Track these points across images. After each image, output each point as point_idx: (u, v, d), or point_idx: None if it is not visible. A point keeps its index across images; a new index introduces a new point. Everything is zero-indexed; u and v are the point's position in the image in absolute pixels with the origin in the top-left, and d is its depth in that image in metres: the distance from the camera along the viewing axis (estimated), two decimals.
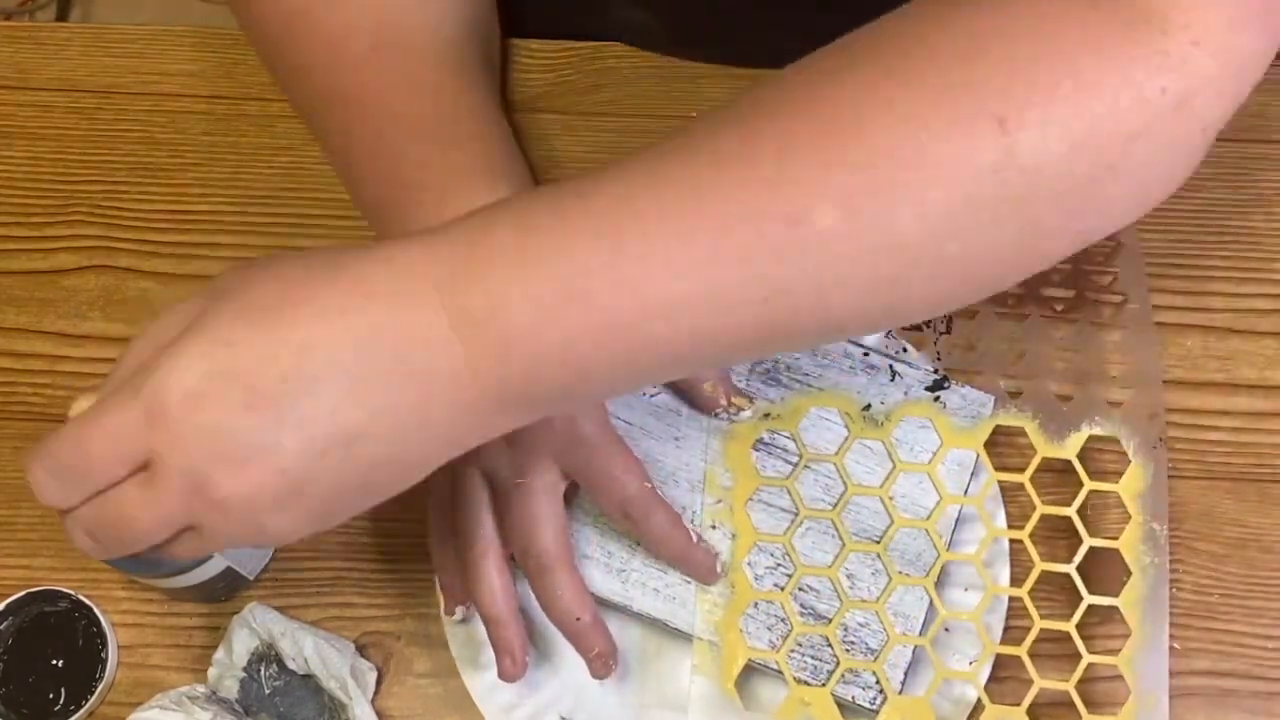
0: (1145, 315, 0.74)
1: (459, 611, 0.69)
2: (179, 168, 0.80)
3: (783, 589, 0.69)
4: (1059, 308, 0.75)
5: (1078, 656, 0.67)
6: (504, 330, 0.52)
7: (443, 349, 0.52)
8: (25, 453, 0.54)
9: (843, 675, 0.68)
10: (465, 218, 0.55)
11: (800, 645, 0.68)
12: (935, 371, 0.72)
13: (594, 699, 0.69)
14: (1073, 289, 0.75)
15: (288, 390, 0.51)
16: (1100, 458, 0.72)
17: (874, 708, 0.68)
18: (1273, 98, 0.79)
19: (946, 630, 0.69)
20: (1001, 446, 0.72)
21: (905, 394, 0.72)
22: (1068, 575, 0.68)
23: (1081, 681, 0.67)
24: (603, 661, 0.68)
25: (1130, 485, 0.69)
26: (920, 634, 0.68)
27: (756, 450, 0.71)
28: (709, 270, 0.52)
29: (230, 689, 0.69)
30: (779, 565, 0.69)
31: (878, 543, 0.69)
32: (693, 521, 0.70)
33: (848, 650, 0.68)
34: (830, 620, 0.68)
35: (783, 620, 0.68)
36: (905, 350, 0.73)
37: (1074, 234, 0.55)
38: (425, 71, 0.68)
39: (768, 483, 0.70)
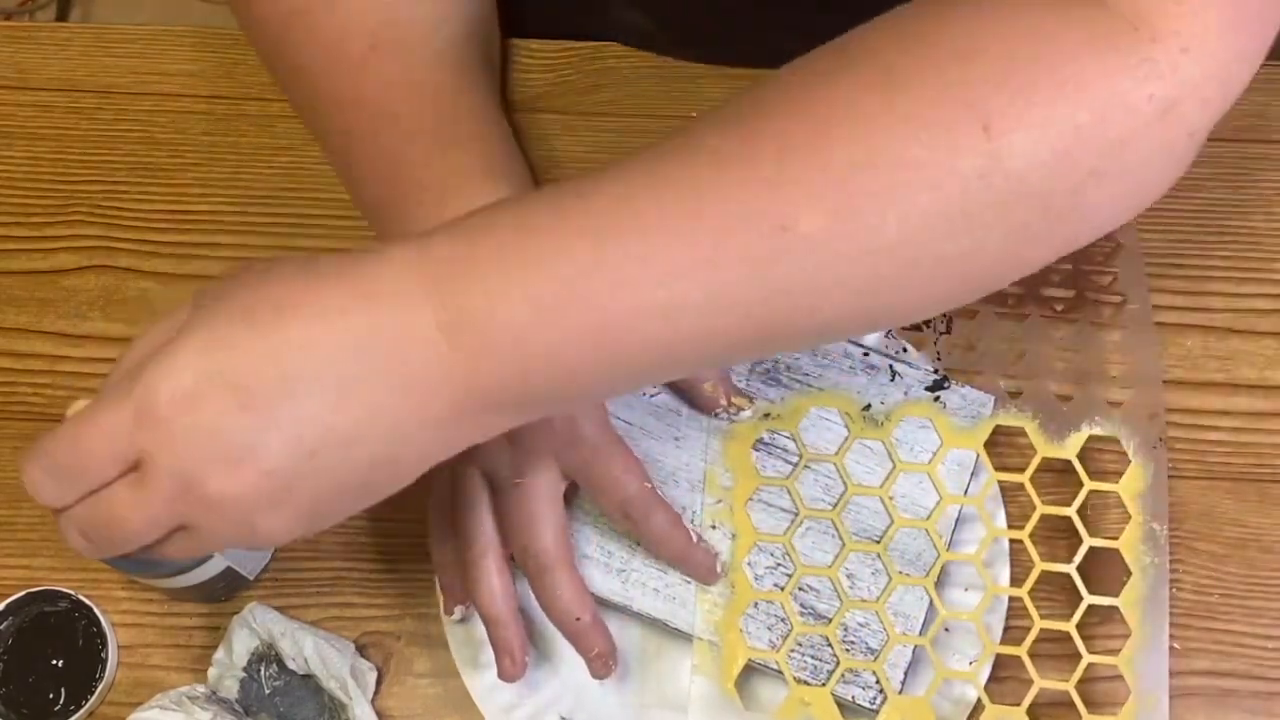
0: (1145, 315, 0.74)
1: (458, 611, 0.69)
2: (179, 168, 0.80)
3: (783, 589, 0.69)
4: (1059, 308, 0.75)
5: (1078, 656, 0.67)
6: (504, 330, 0.52)
7: (439, 349, 0.52)
8: (22, 452, 0.54)
9: (843, 675, 0.68)
10: (465, 218, 0.55)
11: (800, 645, 0.68)
12: (935, 371, 0.72)
13: (594, 699, 0.69)
14: (1073, 289, 0.75)
15: (279, 391, 0.51)
16: (1100, 458, 0.72)
17: (874, 708, 0.68)
18: (1273, 98, 0.79)
19: (946, 630, 0.69)
20: (1001, 446, 0.72)
21: (905, 394, 0.72)
22: (1068, 575, 0.68)
23: (1081, 681, 0.67)
24: (603, 661, 0.68)
25: (1130, 485, 0.69)
26: (920, 634, 0.68)
27: (756, 450, 0.71)
28: (708, 271, 0.52)
29: (230, 689, 0.69)
30: (779, 565, 0.69)
31: (878, 543, 0.69)
32: (693, 521, 0.70)
33: (848, 650, 0.68)
34: (830, 620, 0.68)
35: (783, 620, 0.68)
36: (905, 350, 0.73)
37: (1060, 239, 0.56)
38: (425, 72, 0.68)
39: (768, 483, 0.70)
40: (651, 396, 0.71)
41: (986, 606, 0.68)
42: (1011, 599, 0.69)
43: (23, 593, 0.70)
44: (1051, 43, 0.53)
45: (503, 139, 0.70)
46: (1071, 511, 0.69)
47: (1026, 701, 0.67)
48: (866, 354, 0.72)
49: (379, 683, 0.70)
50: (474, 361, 0.52)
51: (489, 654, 0.68)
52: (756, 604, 0.69)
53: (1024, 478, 0.69)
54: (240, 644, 0.70)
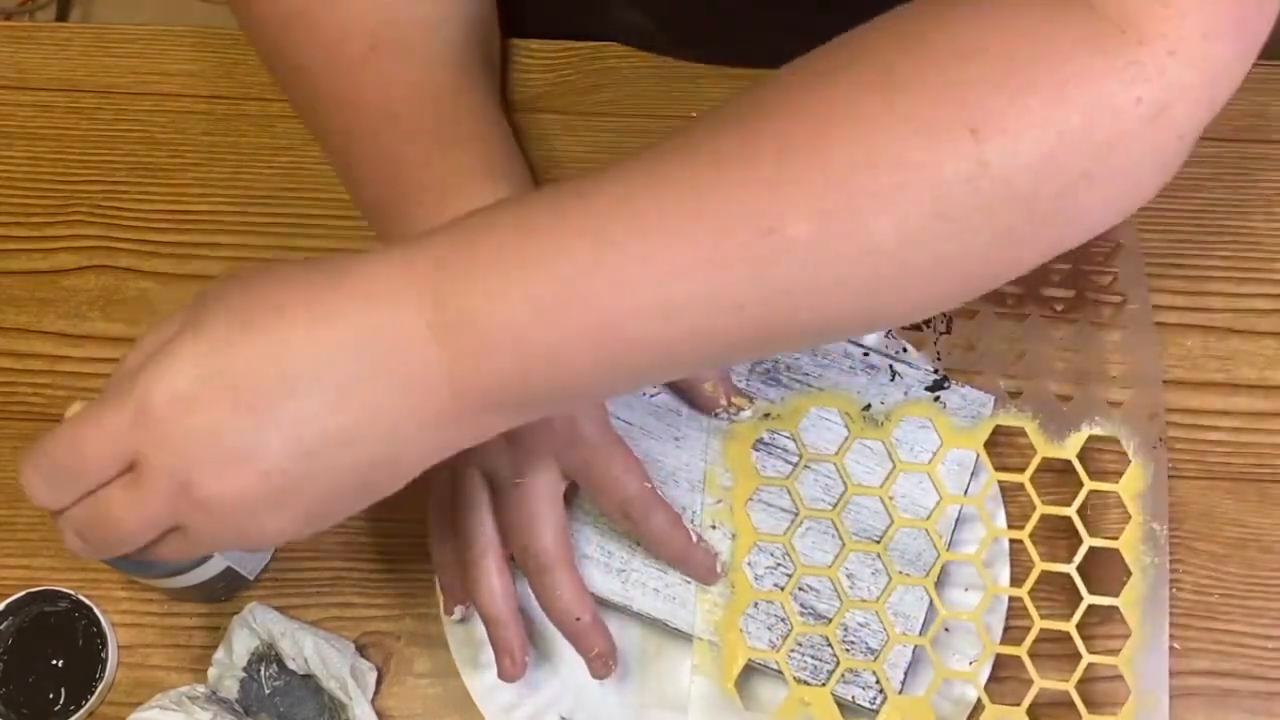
0: (1145, 315, 0.74)
1: (458, 611, 0.69)
2: (179, 168, 0.80)
3: (783, 589, 0.69)
4: (1059, 308, 0.75)
5: (1078, 656, 0.67)
6: (503, 330, 0.52)
7: (437, 349, 0.52)
8: (22, 452, 0.55)
9: (843, 675, 0.68)
10: (464, 219, 0.55)
11: (800, 645, 0.68)
12: (935, 371, 0.72)
13: (594, 699, 0.69)
14: (1073, 289, 0.75)
15: (277, 392, 0.51)
16: (1100, 458, 0.72)
17: (874, 708, 0.68)
18: (1273, 98, 0.79)
19: (946, 630, 0.69)
20: (1001, 446, 0.72)
21: (905, 394, 0.72)
22: (1068, 575, 0.68)
23: (1081, 681, 0.67)
24: (603, 661, 0.68)
25: (1130, 485, 0.69)
26: (920, 634, 0.68)
27: (756, 450, 0.71)
28: (707, 271, 0.52)
29: (230, 689, 0.69)
30: (779, 565, 0.69)
31: (878, 543, 0.69)
32: (693, 521, 0.70)
33: (848, 650, 0.68)
34: (830, 620, 0.68)
35: (783, 620, 0.68)
36: (905, 350, 0.73)
37: (1050, 240, 0.56)
38: (425, 72, 0.68)
39: (768, 483, 0.70)
40: (651, 396, 0.71)
41: (986, 606, 0.68)
42: (1011, 599, 0.69)
43: (23, 593, 0.70)
44: (1040, 46, 0.53)
45: (503, 139, 0.70)
46: (1071, 511, 0.69)
47: (1026, 701, 0.67)
48: (866, 354, 0.72)
49: (379, 683, 0.70)
50: (473, 362, 0.52)
51: (489, 654, 0.68)
52: (756, 604, 0.69)
53: (1024, 478, 0.69)
54: (240, 644, 0.70)
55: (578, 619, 0.67)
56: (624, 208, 0.53)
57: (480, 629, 0.68)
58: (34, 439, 0.54)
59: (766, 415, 0.71)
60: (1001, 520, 0.71)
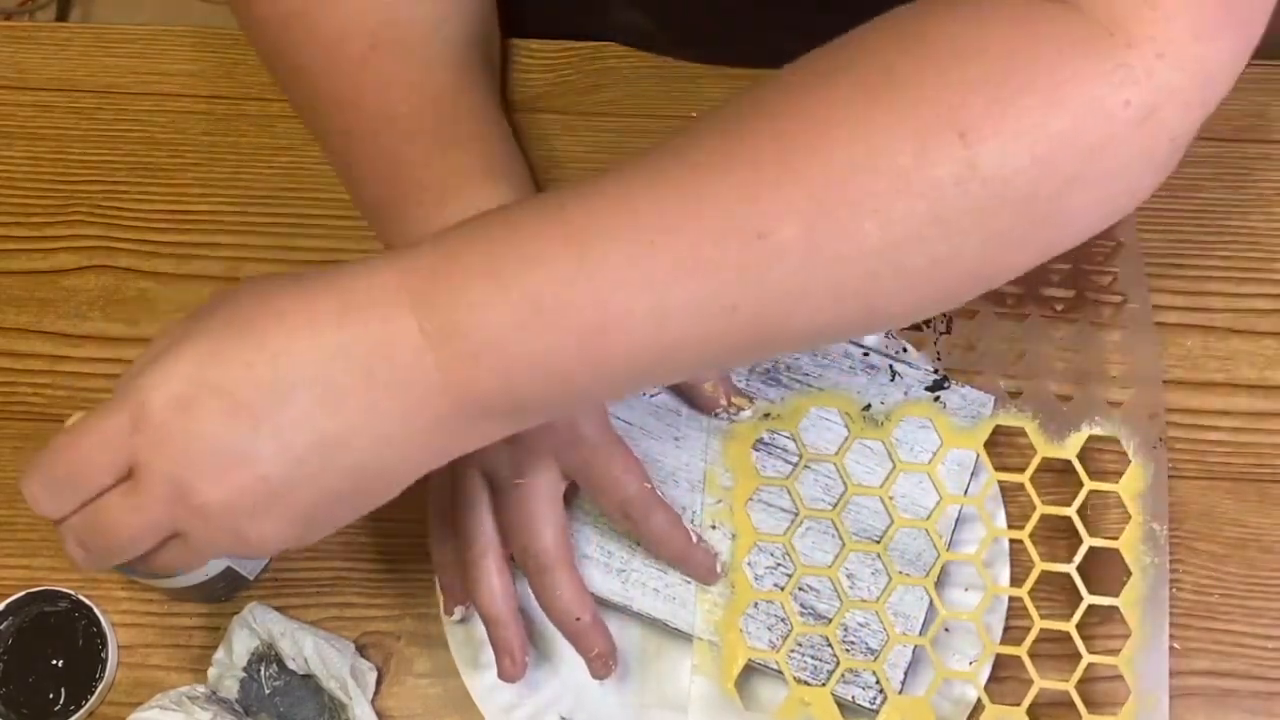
0: (1145, 315, 0.74)
1: (458, 611, 0.69)
2: (179, 168, 0.80)
3: (783, 589, 0.69)
4: (1059, 308, 0.75)
5: (1078, 656, 0.67)
6: (491, 338, 0.52)
7: (427, 358, 0.52)
8: (23, 460, 0.55)
9: (843, 675, 0.68)
10: (452, 228, 0.55)
11: (800, 645, 0.68)
12: (935, 371, 0.72)
13: (594, 699, 0.69)
14: (1073, 289, 0.75)
15: (271, 399, 0.52)
16: (1100, 458, 0.72)
17: (874, 708, 0.68)
18: (1273, 98, 0.79)
19: (946, 630, 0.69)
20: (1001, 446, 0.72)
21: (905, 394, 0.72)
22: (1068, 575, 0.68)
23: (1081, 681, 0.67)
24: (603, 661, 0.68)
25: (1130, 485, 0.69)
26: (920, 634, 0.68)
27: (756, 450, 0.71)
28: (693, 276, 0.52)
29: (230, 689, 0.69)
30: (779, 565, 0.69)
31: (878, 543, 0.69)
32: (693, 521, 0.70)
33: (848, 650, 0.68)
34: (830, 620, 0.68)
35: (783, 620, 0.68)
36: (905, 350, 0.73)
37: (1039, 244, 0.56)
38: (424, 72, 0.68)
39: (768, 483, 0.70)
40: (651, 396, 0.71)
41: (986, 606, 0.68)
42: (1011, 599, 0.69)
43: (23, 593, 0.70)
44: (1029, 50, 0.53)
45: (503, 139, 0.70)
46: (1071, 511, 0.69)
47: (1026, 701, 0.67)
48: (866, 354, 0.72)
49: (379, 683, 0.70)
50: (463, 370, 0.53)
51: (489, 654, 0.68)
52: (756, 604, 0.69)
53: (1024, 478, 0.69)
54: (240, 644, 0.70)
55: (578, 619, 0.67)
56: (609, 214, 0.53)
57: (480, 629, 0.68)
58: (34, 439, 0.55)
59: (766, 415, 0.71)
60: (1001, 520, 0.71)
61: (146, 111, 0.81)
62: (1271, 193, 0.78)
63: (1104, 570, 0.69)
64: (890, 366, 0.72)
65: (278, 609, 0.71)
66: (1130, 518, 0.69)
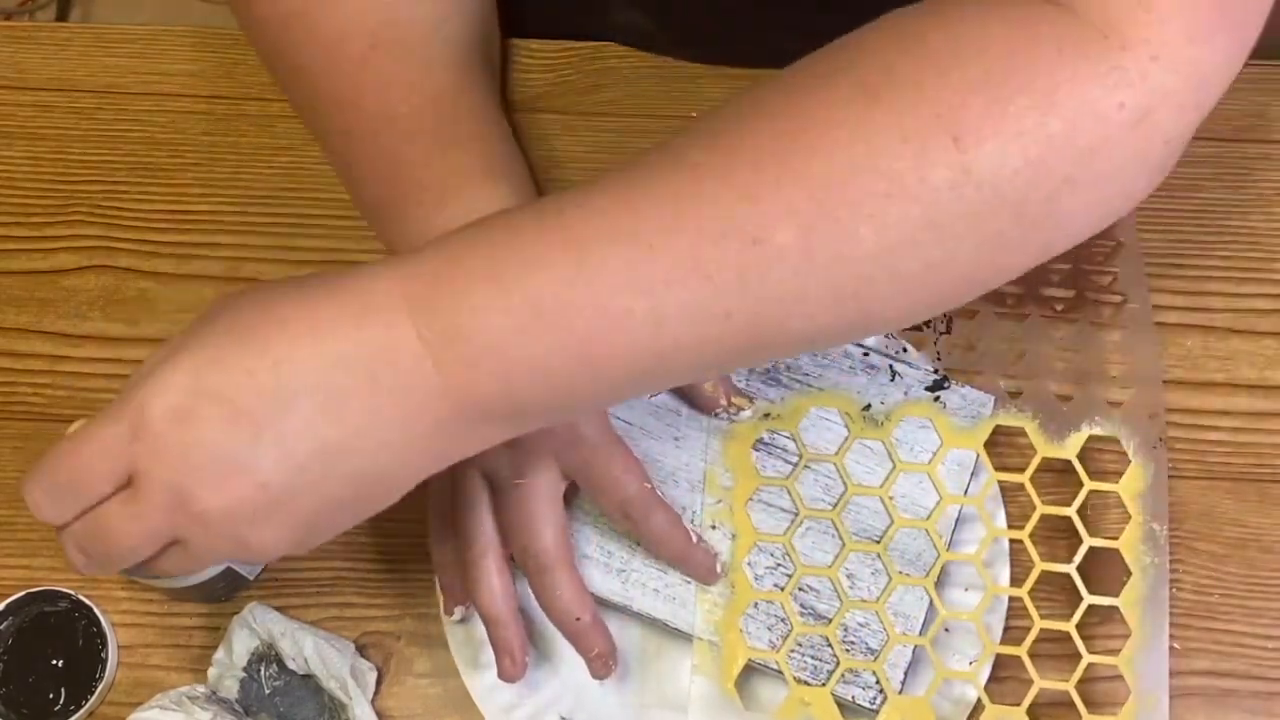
0: (1145, 315, 0.74)
1: (458, 611, 0.69)
2: (179, 168, 0.80)
3: (783, 589, 0.69)
4: (1059, 308, 0.75)
5: (1078, 656, 0.67)
6: (489, 344, 0.53)
7: (426, 364, 0.53)
8: (23, 460, 0.55)
9: (843, 675, 0.68)
10: (452, 234, 0.55)
11: (800, 645, 0.68)
12: (935, 371, 0.72)
13: (594, 699, 0.69)
14: (1073, 289, 0.75)
15: (270, 406, 0.52)
16: (1100, 458, 0.72)
17: (874, 708, 0.68)
18: (1273, 98, 0.79)
19: (946, 630, 0.69)
20: (1001, 446, 0.72)
21: (905, 394, 0.72)
22: (1068, 575, 0.68)
23: (1081, 681, 0.67)
24: (603, 662, 0.68)
25: (1130, 485, 0.69)
26: (920, 634, 0.68)
27: (756, 450, 0.71)
28: (691, 281, 0.53)
29: (230, 689, 0.69)
30: (779, 565, 0.69)
31: (878, 543, 0.69)
32: (693, 521, 0.70)
33: (848, 650, 0.68)
34: (830, 620, 0.68)
35: (783, 620, 0.68)
36: (905, 350, 0.73)
37: (1034, 246, 0.56)
38: (424, 72, 0.68)
39: (768, 483, 0.70)
40: (651, 397, 0.71)
41: (986, 606, 0.68)
42: (1011, 599, 0.69)
43: (23, 593, 0.70)
44: (1023, 53, 0.53)
45: (503, 139, 0.70)
46: (1071, 511, 0.69)
47: (1026, 701, 0.67)
48: (866, 354, 0.72)
49: (379, 683, 0.70)
50: (463, 374, 0.53)
51: (489, 654, 0.68)
52: (756, 604, 0.69)
53: (1024, 478, 0.69)
54: (240, 644, 0.70)
55: (578, 619, 0.67)
56: (607, 219, 0.53)
57: (480, 629, 0.68)
58: (34, 439, 0.55)
59: (766, 415, 0.71)
60: (1001, 520, 0.71)
61: (146, 111, 0.81)
62: (1271, 193, 0.78)
63: (1104, 570, 0.69)
64: (890, 366, 0.72)
65: (278, 609, 0.71)
66: (1130, 518, 0.69)
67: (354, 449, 0.53)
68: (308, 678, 0.70)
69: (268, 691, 0.70)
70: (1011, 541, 0.70)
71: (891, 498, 0.69)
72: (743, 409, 0.71)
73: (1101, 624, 0.69)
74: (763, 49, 0.65)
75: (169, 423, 0.52)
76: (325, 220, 0.78)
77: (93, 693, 0.70)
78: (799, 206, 0.52)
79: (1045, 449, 0.70)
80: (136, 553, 0.55)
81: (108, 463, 0.53)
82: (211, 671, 0.70)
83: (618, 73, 0.81)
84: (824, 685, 0.68)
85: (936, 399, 0.72)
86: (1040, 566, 0.68)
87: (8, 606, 0.70)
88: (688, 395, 0.71)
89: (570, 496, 0.68)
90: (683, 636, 0.69)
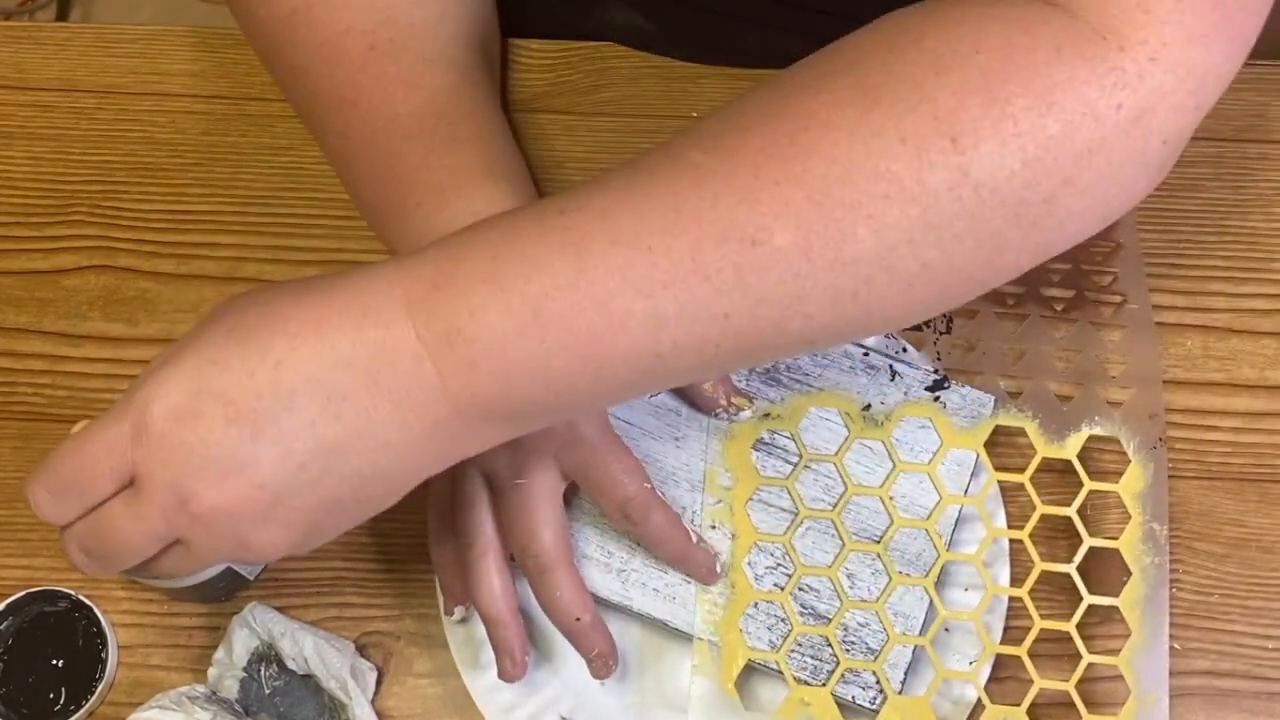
0: (1145, 315, 0.74)
1: (458, 611, 0.69)
2: (179, 168, 0.80)
3: (783, 589, 0.69)
4: (1059, 308, 0.75)
5: (1078, 656, 0.67)
6: (489, 345, 0.53)
7: (426, 365, 0.53)
8: (23, 460, 0.55)
9: (843, 675, 0.68)
10: (452, 235, 0.56)
11: (800, 645, 0.68)
12: (935, 371, 0.72)
13: (594, 699, 0.69)
14: (1073, 289, 0.75)
15: (270, 406, 0.52)
16: (1100, 458, 0.72)
17: (874, 708, 0.68)
18: (1273, 98, 0.79)
19: (946, 630, 0.69)
20: (1001, 446, 0.72)
21: (905, 394, 0.72)
22: (1068, 575, 0.68)
23: (1081, 681, 0.67)
24: (603, 662, 0.68)
25: (1130, 485, 0.69)
26: (920, 634, 0.68)
27: (756, 450, 0.71)
28: (690, 282, 0.53)
29: (230, 689, 0.69)
30: (779, 565, 0.69)
31: (878, 543, 0.69)
32: (693, 521, 0.70)
33: (848, 650, 0.68)
34: (830, 620, 0.68)
35: (783, 620, 0.68)
36: (905, 350, 0.73)
37: (1034, 246, 0.56)
38: (424, 72, 0.68)
39: (768, 483, 0.70)
40: (651, 396, 0.71)
41: (986, 606, 0.68)
42: (1011, 599, 0.69)
43: (23, 593, 0.70)
44: (1021, 55, 0.53)
45: (503, 139, 0.70)
46: (1071, 511, 0.69)
47: (1026, 701, 0.67)
48: (866, 354, 0.72)
49: (379, 683, 0.70)
50: (462, 375, 0.53)
51: (489, 654, 0.68)
52: (756, 604, 0.69)
53: (1024, 478, 0.69)
54: (240, 644, 0.70)
55: (578, 619, 0.67)
56: (604, 221, 0.53)
57: (480, 629, 0.68)
58: (34, 439, 0.55)
59: (766, 415, 0.71)
60: (1001, 520, 0.71)
61: (146, 111, 0.81)
62: (1271, 193, 0.78)
63: (1104, 570, 0.69)
64: (890, 366, 0.72)
65: (278, 609, 0.71)
66: (1130, 518, 0.69)
67: (354, 449, 0.53)
68: (308, 678, 0.70)
69: (268, 691, 0.70)
70: (1011, 541, 0.70)
71: (891, 498, 0.69)
72: (743, 409, 0.71)
73: (1101, 624, 0.69)
74: (763, 49, 0.65)
75: (171, 423, 0.52)
76: (325, 220, 0.78)
77: (93, 693, 0.70)
78: (798, 207, 0.52)
79: (1045, 449, 0.70)
80: (138, 552, 0.55)
81: (110, 462, 0.53)
82: (211, 671, 0.70)
83: (618, 73, 0.81)
84: (824, 685, 0.68)
85: (936, 399, 0.72)
86: (1040, 566, 0.68)
87: (8, 606, 0.70)
88: (688, 395, 0.71)
89: (570, 496, 0.68)
90: (683, 636, 0.69)
